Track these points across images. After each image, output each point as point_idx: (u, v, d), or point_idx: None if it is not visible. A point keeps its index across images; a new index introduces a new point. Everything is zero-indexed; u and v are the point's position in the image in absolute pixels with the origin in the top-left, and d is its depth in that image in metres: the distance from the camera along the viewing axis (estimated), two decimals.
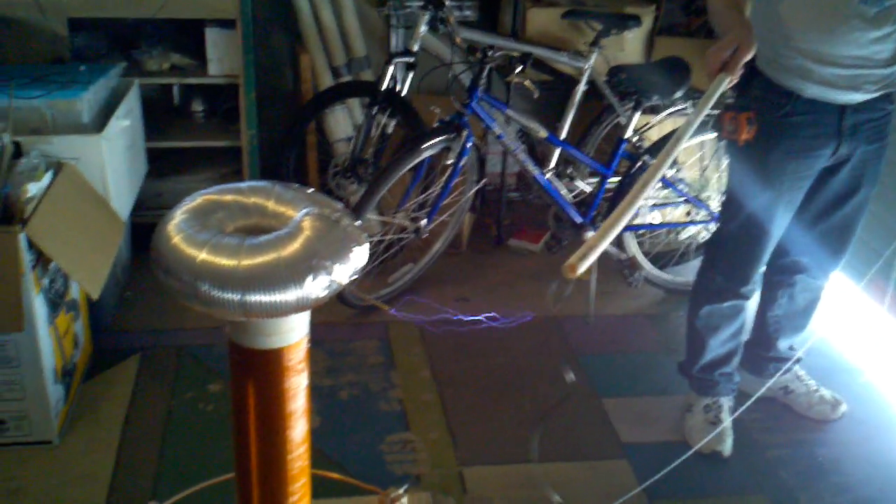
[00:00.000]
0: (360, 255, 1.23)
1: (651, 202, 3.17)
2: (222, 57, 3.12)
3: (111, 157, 2.48)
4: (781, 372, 2.46)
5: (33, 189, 2.08)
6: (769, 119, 2.05)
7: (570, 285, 3.04)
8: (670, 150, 1.70)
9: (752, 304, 2.40)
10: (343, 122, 3.38)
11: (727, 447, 2.32)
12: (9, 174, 2.09)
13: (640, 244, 3.19)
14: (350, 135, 3.34)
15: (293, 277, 1.15)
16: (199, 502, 1.89)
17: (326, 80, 3.37)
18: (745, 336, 2.47)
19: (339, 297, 2.76)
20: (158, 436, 2.30)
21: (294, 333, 1.27)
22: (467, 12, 3.45)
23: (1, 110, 2.28)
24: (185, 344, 2.70)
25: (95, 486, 2.10)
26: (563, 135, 3.15)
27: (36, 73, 2.60)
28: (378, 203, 2.76)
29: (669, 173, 2.99)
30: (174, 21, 3.18)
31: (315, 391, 2.50)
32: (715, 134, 2.97)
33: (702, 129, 2.95)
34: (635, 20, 3.20)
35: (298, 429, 1.34)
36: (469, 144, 2.79)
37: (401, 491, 1.79)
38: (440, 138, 2.74)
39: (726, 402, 2.42)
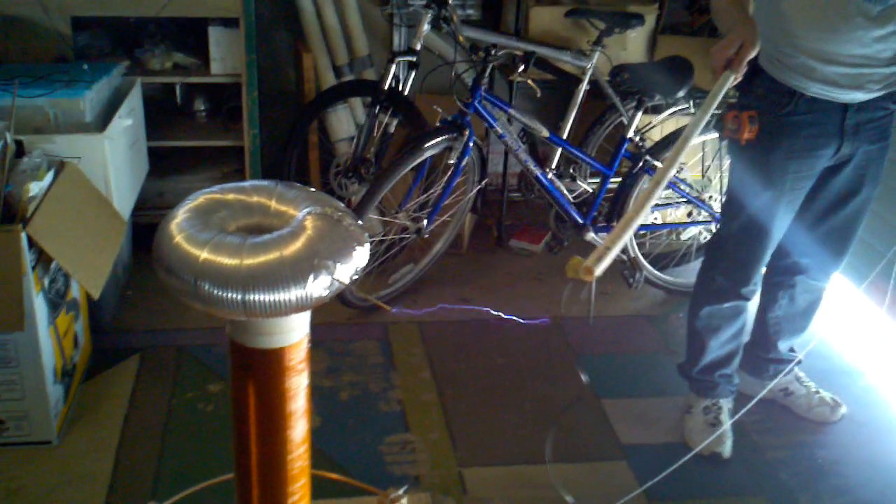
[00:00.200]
0: (361, 255, 1.24)
1: (652, 202, 3.16)
2: (225, 56, 3.12)
3: (113, 157, 2.48)
4: (782, 374, 2.46)
5: (35, 188, 2.08)
6: (771, 118, 2.05)
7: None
8: (680, 148, 1.70)
9: (753, 306, 2.39)
10: (345, 121, 3.38)
11: (727, 449, 2.32)
12: (11, 173, 2.09)
13: (641, 245, 3.19)
14: (352, 134, 3.34)
15: (295, 277, 1.15)
16: (198, 502, 1.89)
17: (329, 80, 3.37)
18: (746, 337, 2.47)
19: (340, 298, 2.76)
20: (158, 436, 2.30)
21: (295, 333, 1.28)
22: (470, 11, 3.45)
23: (4, 109, 2.28)
24: (186, 344, 2.71)
25: (95, 487, 2.10)
26: (565, 134, 3.15)
27: (39, 72, 2.60)
28: (379, 203, 2.76)
29: (671, 173, 2.98)
30: (177, 20, 3.18)
31: (315, 391, 2.50)
32: (717, 134, 2.97)
33: (703, 128, 2.95)
34: (638, 19, 3.20)
35: (298, 429, 1.34)
36: (471, 144, 2.79)
37: (400, 492, 1.79)
38: (442, 138, 2.74)
39: (726, 403, 2.42)
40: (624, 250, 3.11)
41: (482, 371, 2.68)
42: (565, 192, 3.03)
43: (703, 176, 3.21)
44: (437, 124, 2.78)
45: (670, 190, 3.08)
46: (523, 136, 3.03)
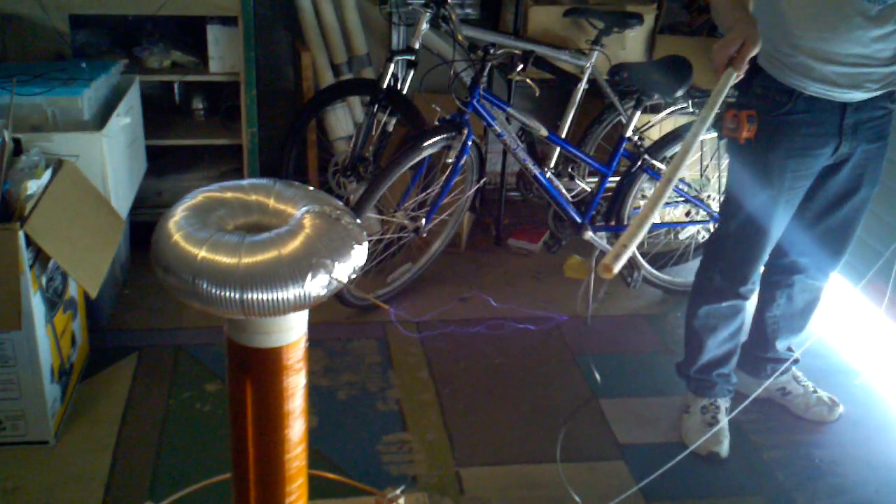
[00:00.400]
0: (359, 254, 1.23)
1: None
2: (223, 54, 3.11)
3: (111, 155, 2.47)
4: (779, 373, 2.46)
5: (33, 186, 2.08)
6: (770, 117, 2.05)
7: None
8: (689, 144, 1.69)
9: (751, 305, 2.39)
10: (343, 120, 3.37)
11: (724, 448, 2.32)
12: (9, 171, 2.09)
13: (639, 244, 3.18)
14: (350, 133, 3.34)
15: (293, 275, 1.15)
16: (195, 502, 1.89)
17: (327, 78, 3.36)
18: (744, 337, 2.47)
19: (338, 297, 2.76)
20: (155, 435, 2.29)
21: (293, 332, 1.27)
22: (469, 10, 3.45)
23: (1, 107, 2.27)
24: (183, 343, 2.70)
25: (92, 486, 2.10)
26: (564, 133, 3.15)
27: (37, 70, 2.59)
28: (378, 202, 2.76)
29: None
30: (175, 18, 3.18)
31: (313, 391, 2.50)
32: (715, 133, 2.97)
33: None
34: (637, 18, 3.20)
35: (296, 428, 1.34)
36: (469, 143, 2.79)
37: (398, 492, 1.79)
38: (441, 137, 2.73)
39: (724, 403, 2.42)
40: None
41: (480, 371, 2.68)
42: (564, 191, 3.03)
43: (702, 175, 3.21)
44: (436, 123, 2.78)
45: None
46: (522, 135, 3.03)
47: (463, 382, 2.61)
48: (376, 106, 2.98)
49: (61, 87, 2.47)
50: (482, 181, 3.04)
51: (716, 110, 1.79)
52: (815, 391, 2.54)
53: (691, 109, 3.05)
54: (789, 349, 2.52)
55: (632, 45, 3.45)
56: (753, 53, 1.86)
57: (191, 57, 3.21)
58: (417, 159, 2.73)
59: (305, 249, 1.18)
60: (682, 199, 3.13)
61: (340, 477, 2.05)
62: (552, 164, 3.11)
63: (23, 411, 2.17)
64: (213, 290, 1.15)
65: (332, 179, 3.30)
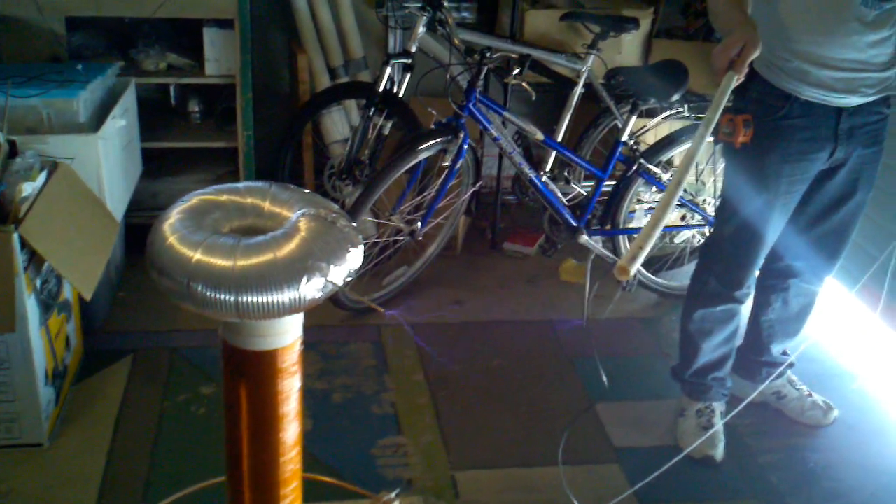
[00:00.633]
0: (355, 257, 1.23)
1: (646, 206, 3.17)
2: (219, 57, 3.11)
3: (107, 157, 2.47)
4: (774, 377, 2.46)
5: (28, 189, 2.07)
6: (766, 122, 2.06)
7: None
8: (696, 147, 1.70)
9: (746, 309, 2.40)
10: (339, 123, 3.37)
11: (719, 452, 2.33)
12: (4, 173, 2.09)
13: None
14: (346, 136, 3.34)
15: (288, 278, 1.15)
16: None
17: (323, 81, 3.36)
18: (739, 341, 2.47)
19: (333, 300, 2.75)
20: (150, 438, 2.29)
21: (288, 335, 1.27)
22: (465, 14, 3.45)
23: None
24: (178, 346, 2.70)
25: (86, 489, 2.09)
26: (560, 137, 3.15)
27: (33, 72, 2.59)
28: (373, 205, 2.76)
29: (665, 177, 2.99)
30: (172, 21, 3.18)
31: (308, 394, 2.50)
32: (711, 138, 2.97)
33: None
34: (633, 23, 3.21)
35: (291, 431, 1.34)
36: (465, 146, 2.79)
37: (392, 495, 1.79)
38: (437, 140, 2.74)
39: (718, 406, 2.42)
40: (618, 253, 3.11)
41: (475, 374, 2.68)
42: (559, 194, 3.04)
43: (697, 179, 3.21)
44: (432, 127, 2.78)
45: (663, 194, 3.08)
46: (518, 138, 3.04)
47: (458, 386, 2.61)
48: (372, 109, 2.98)
49: (57, 89, 2.47)
50: (478, 185, 3.04)
51: (719, 113, 1.80)
52: (809, 395, 2.55)
53: (687, 114, 3.05)
54: (784, 353, 2.52)
55: (628, 49, 3.45)
56: (754, 56, 1.86)
57: (187, 59, 3.20)
58: (413, 163, 2.73)
59: (301, 252, 1.18)
60: (678, 203, 3.13)
61: (335, 480, 2.05)
62: (548, 168, 3.11)
63: (17, 414, 2.16)
64: (208, 293, 1.14)
65: (328, 182, 3.30)
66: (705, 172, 3.20)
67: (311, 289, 1.17)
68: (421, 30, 2.92)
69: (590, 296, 3.02)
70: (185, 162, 3.42)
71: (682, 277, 3.20)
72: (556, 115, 3.22)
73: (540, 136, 2.92)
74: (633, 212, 3.13)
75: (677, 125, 3.10)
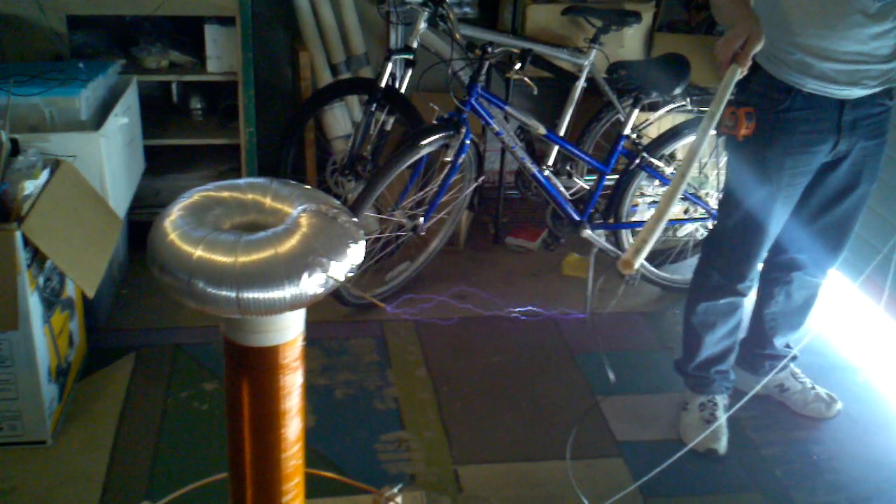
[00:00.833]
0: (356, 252, 1.23)
1: (649, 200, 3.17)
2: (221, 54, 3.11)
3: (109, 155, 2.47)
4: (777, 370, 2.46)
5: (30, 187, 2.08)
6: (768, 114, 2.06)
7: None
8: (700, 140, 1.70)
9: (749, 302, 2.39)
10: (342, 119, 3.37)
11: (722, 445, 2.32)
12: (6, 172, 2.09)
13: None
14: (349, 132, 3.34)
15: (289, 274, 1.15)
16: (193, 502, 1.89)
17: (325, 78, 3.36)
18: (742, 334, 2.47)
19: (336, 295, 2.76)
20: (153, 435, 2.29)
21: (289, 331, 1.27)
22: (467, 9, 3.45)
23: None
24: (181, 342, 2.70)
25: (89, 486, 2.10)
26: (562, 132, 3.15)
27: (34, 71, 2.59)
28: (376, 200, 2.76)
29: (668, 170, 2.99)
30: (173, 18, 3.18)
31: (310, 389, 2.50)
32: (713, 131, 2.96)
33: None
34: (635, 16, 3.20)
35: (293, 427, 1.34)
36: (467, 141, 2.79)
37: (395, 490, 1.79)
38: (439, 135, 2.73)
39: (722, 400, 2.42)
40: (621, 247, 3.11)
41: (478, 369, 2.68)
42: (562, 189, 3.03)
43: (700, 173, 3.21)
44: (434, 122, 2.78)
45: (667, 187, 3.08)
46: (520, 133, 3.03)
47: (461, 381, 2.61)
48: (374, 105, 2.98)
49: (59, 87, 2.47)
50: (480, 180, 3.04)
51: (723, 106, 1.80)
52: (813, 388, 2.54)
53: (690, 107, 3.05)
54: (787, 346, 2.52)
55: (630, 43, 3.45)
56: (757, 49, 1.86)
57: (188, 57, 3.21)
58: (415, 158, 2.73)
59: (302, 248, 1.18)
60: (681, 196, 3.12)
61: (338, 476, 2.05)
62: (550, 163, 3.11)
63: (20, 411, 2.17)
64: (210, 290, 1.15)
65: (331, 178, 3.30)
66: (708, 166, 3.19)
67: (312, 285, 1.17)
68: (422, 25, 2.91)
69: (593, 290, 3.02)
70: (188, 159, 3.42)
71: (684, 271, 3.20)
72: (558, 110, 3.22)
73: (542, 130, 2.91)
74: (636, 206, 3.13)
75: (680, 119, 3.10)
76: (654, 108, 3.14)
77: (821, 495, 2.22)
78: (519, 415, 2.47)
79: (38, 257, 2.10)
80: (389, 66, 2.93)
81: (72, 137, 2.36)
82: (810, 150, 2.08)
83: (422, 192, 2.92)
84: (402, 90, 3.02)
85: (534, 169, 2.94)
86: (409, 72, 2.98)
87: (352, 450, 2.29)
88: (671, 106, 3.05)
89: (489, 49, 2.75)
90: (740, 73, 1.87)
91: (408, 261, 3.10)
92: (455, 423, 2.42)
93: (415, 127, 3.01)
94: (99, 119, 2.54)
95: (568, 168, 3.20)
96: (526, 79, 2.75)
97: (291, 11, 3.34)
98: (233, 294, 1.14)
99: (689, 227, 3.36)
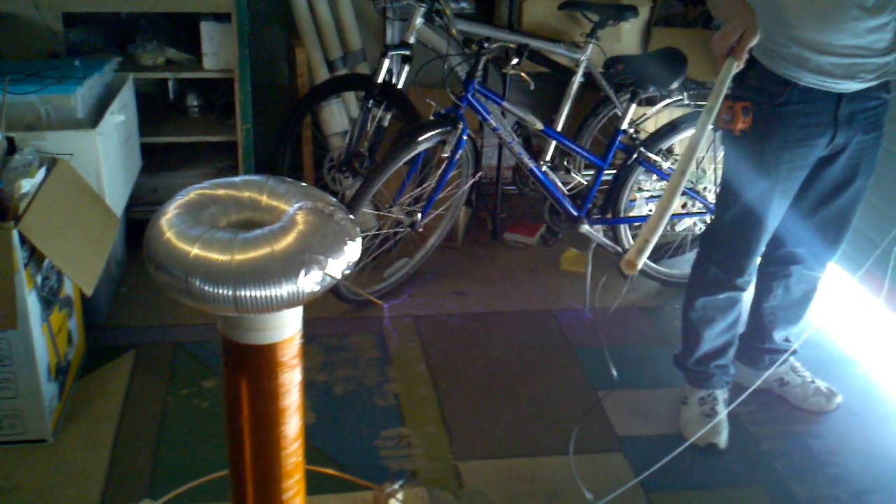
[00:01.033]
0: (353, 250, 1.23)
1: (647, 194, 3.17)
2: (217, 51, 3.11)
3: (106, 153, 2.47)
4: (777, 364, 2.46)
5: (27, 185, 2.07)
6: (765, 108, 2.05)
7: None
8: (698, 135, 1.70)
9: (748, 296, 2.39)
10: (339, 115, 3.37)
11: (722, 439, 2.33)
12: (2, 170, 2.09)
13: (636, 236, 3.18)
14: (346, 129, 3.33)
15: (286, 272, 1.15)
16: (194, 499, 1.89)
17: (322, 74, 3.36)
18: (741, 328, 2.47)
19: (335, 292, 2.75)
20: (153, 433, 2.29)
21: (287, 329, 1.27)
22: (463, 4, 3.43)
23: None
24: (180, 340, 2.70)
25: (90, 484, 2.10)
26: (559, 127, 3.14)
27: (30, 69, 2.59)
28: (373, 197, 2.76)
29: (666, 165, 2.99)
30: (169, 15, 3.17)
31: (310, 386, 2.50)
32: (710, 125, 2.96)
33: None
34: (632, 11, 3.20)
35: (292, 425, 1.34)
36: (465, 137, 2.79)
37: (396, 486, 1.79)
38: (436, 131, 2.73)
39: (721, 394, 2.42)
40: (619, 242, 3.11)
41: (478, 364, 2.68)
42: (560, 184, 3.03)
43: (698, 167, 3.21)
44: (431, 118, 2.77)
45: (664, 182, 3.08)
46: (517, 128, 3.03)
47: (461, 376, 2.61)
48: (371, 101, 2.97)
49: (55, 85, 2.46)
50: (478, 175, 3.03)
51: (720, 100, 1.79)
52: (812, 381, 2.54)
53: (687, 101, 3.04)
54: (787, 340, 2.52)
55: (627, 37, 3.44)
56: (754, 43, 1.86)
57: (185, 54, 3.20)
58: (413, 154, 2.73)
59: (298, 246, 1.17)
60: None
61: (338, 472, 2.05)
62: (548, 158, 3.10)
63: (20, 410, 2.17)
64: (206, 288, 1.14)
65: (328, 175, 3.30)
66: (706, 160, 3.19)
67: (309, 282, 1.17)
68: (419, 21, 2.91)
69: (592, 285, 3.02)
70: (185, 156, 3.41)
71: (683, 265, 3.20)
72: (555, 105, 3.21)
73: (539, 125, 2.91)
74: (634, 200, 3.13)
75: (677, 113, 3.09)
76: (651, 102, 3.13)
77: (821, 488, 2.22)
78: (519, 410, 2.47)
79: (35, 256, 2.10)
80: (386, 62, 2.93)
81: (68, 135, 2.36)
82: (807, 143, 2.08)
83: (419, 189, 2.92)
84: (399, 86, 3.01)
85: (531, 164, 2.94)
86: (406, 68, 2.97)
87: (352, 446, 2.29)
88: (668, 100, 3.05)
89: (486, 44, 2.74)
90: (737, 67, 1.86)
91: (406, 257, 3.10)
92: (455, 419, 2.42)
93: (411, 123, 3.01)
94: (95, 117, 2.53)
95: (565, 163, 3.20)
96: (523, 74, 2.75)
97: (288, 8, 3.33)
98: (230, 292, 1.14)
99: (687, 222, 3.36)
